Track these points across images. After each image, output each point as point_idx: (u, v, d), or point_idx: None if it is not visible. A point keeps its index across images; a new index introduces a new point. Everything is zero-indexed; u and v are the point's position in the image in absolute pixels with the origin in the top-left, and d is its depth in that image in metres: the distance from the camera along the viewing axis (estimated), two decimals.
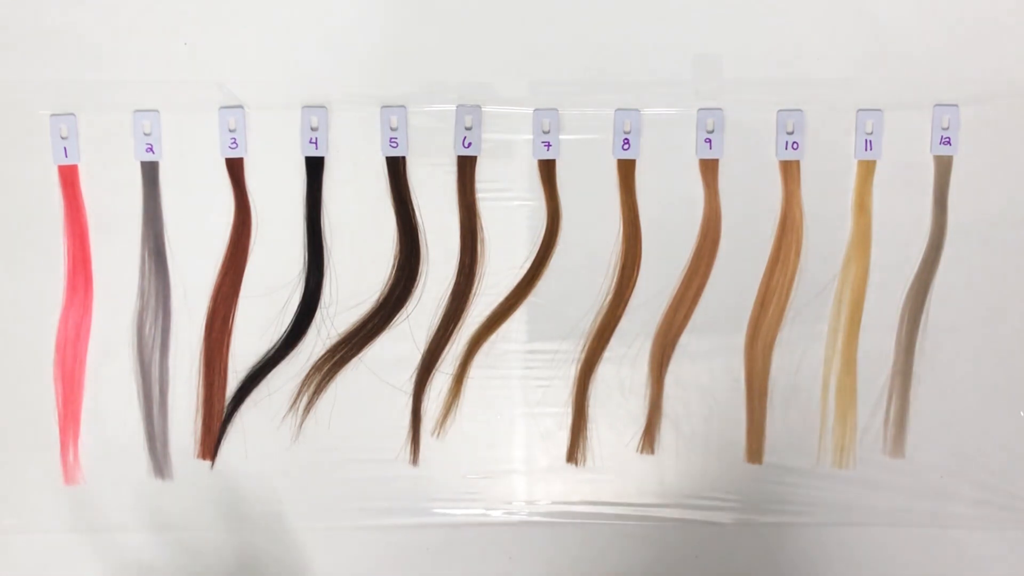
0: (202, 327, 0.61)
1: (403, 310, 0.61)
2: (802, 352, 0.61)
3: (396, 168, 0.60)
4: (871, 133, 0.60)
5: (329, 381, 0.61)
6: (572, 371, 0.62)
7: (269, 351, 0.61)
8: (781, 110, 0.60)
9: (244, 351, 0.61)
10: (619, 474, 0.62)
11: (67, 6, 0.60)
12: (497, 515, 0.63)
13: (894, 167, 0.60)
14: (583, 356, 0.61)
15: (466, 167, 0.61)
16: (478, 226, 0.61)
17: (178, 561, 0.62)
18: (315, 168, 0.60)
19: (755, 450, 0.62)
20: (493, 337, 0.61)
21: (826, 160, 0.60)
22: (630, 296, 0.61)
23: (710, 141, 0.60)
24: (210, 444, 0.61)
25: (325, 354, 0.61)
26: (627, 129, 0.60)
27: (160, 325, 0.61)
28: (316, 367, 0.61)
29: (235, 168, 0.60)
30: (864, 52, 0.60)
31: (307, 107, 0.60)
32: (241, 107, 0.60)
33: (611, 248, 0.61)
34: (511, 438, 0.62)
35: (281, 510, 0.62)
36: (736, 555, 0.63)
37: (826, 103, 0.60)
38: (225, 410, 0.61)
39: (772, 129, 0.60)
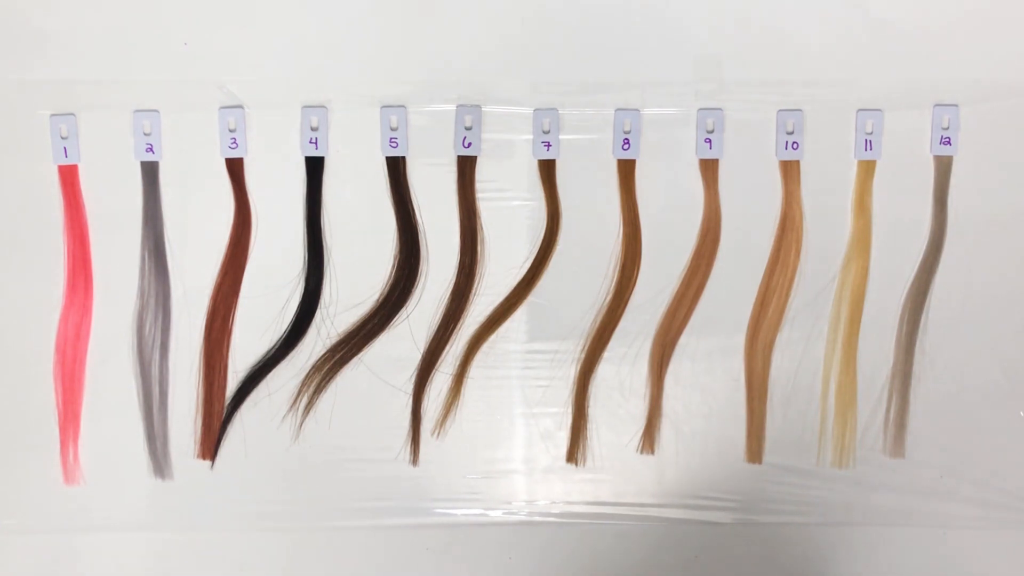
0: (202, 327, 0.61)
1: (403, 310, 0.61)
2: (802, 352, 0.61)
3: (396, 168, 0.60)
4: (871, 133, 0.60)
5: (329, 381, 0.61)
6: (572, 371, 0.62)
7: (269, 351, 0.61)
8: (781, 110, 0.60)
9: (244, 351, 0.61)
10: (619, 474, 0.62)
11: (67, 6, 0.60)
12: (497, 515, 0.63)
13: (894, 167, 0.60)
14: (583, 356, 0.61)
15: (466, 167, 0.61)
16: (478, 226, 0.61)
17: (178, 561, 0.63)
18: (315, 168, 0.60)
19: (755, 450, 0.62)
20: (493, 337, 0.61)
21: (826, 160, 0.60)
22: (630, 296, 0.61)
23: (710, 141, 0.60)
24: (210, 444, 0.61)
25: (325, 354, 0.61)
26: (627, 129, 0.60)
27: (160, 325, 0.61)
28: (316, 367, 0.61)
29: (235, 168, 0.60)
30: (864, 52, 0.60)
31: (307, 107, 0.60)
32: (241, 107, 0.60)
33: (611, 248, 0.61)
34: (511, 438, 0.62)
35: (281, 510, 0.62)
36: (736, 555, 0.63)
37: (826, 103, 0.60)
38: (225, 410, 0.61)
39: (772, 129, 0.60)
